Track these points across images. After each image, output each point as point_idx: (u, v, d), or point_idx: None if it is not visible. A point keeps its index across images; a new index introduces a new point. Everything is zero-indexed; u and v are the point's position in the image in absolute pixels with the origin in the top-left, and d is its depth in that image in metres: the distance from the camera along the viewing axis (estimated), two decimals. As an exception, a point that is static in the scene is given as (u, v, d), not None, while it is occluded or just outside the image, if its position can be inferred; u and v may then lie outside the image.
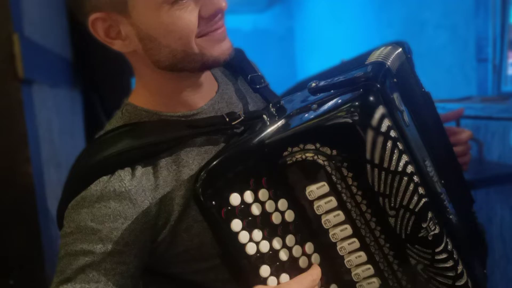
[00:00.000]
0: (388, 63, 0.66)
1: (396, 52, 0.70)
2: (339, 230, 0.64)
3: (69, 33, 1.66)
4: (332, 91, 0.65)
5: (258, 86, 0.76)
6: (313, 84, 0.67)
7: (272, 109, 0.70)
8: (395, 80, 0.65)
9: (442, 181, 0.69)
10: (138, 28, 0.62)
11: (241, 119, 0.67)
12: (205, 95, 0.71)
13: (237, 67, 0.79)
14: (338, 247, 0.64)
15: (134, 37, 0.63)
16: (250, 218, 0.62)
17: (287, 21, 4.12)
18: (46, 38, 1.39)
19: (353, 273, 0.65)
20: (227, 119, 0.67)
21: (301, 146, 0.60)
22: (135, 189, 0.63)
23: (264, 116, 0.68)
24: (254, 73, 0.77)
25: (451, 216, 0.68)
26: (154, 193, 0.65)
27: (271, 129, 0.64)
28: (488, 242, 1.79)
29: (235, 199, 0.61)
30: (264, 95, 0.76)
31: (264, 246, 0.63)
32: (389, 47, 0.71)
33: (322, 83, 0.67)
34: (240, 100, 0.76)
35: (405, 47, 0.73)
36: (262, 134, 0.63)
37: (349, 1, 3.16)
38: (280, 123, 0.65)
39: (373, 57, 0.68)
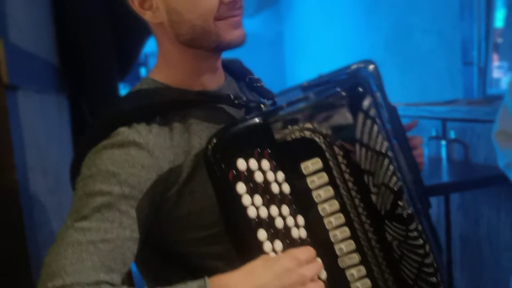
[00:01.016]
0: (370, 70, 0.80)
1: (371, 65, 0.84)
2: (327, 205, 0.73)
3: (55, 38, 1.64)
4: (327, 86, 0.76)
5: (255, 85, 0.88)
6: (305, 84, 0.79)
7: (268, 101, 0.80)
8: (376, 82, 0.78)
9: (412, 176, 0.81)
10: (167, 2, 0.72)
11: (243, 99, 0.78)
12: (216, 82, 0.82)
13: (238, 73, 0.89)
14: (325, 221, 0.73)
15: (163, 9, 0.73)
16: (252, 184, 0.69)
17: (277, 25, 4.13)
18: (32, 43, 1.37)
19: (337, 248, 0.73)
20: (232, 97, 0.77)
21: (300, 125, 0.71)
22: (152, 143, 0.71)
23: (262, 105, 0.78)
24: (252, 75, 0.89)
25: (418, 205, 0.77)
26: (168, 151, 0.72)
27: (274, 111, 0.74)
28: (476, 243, 1.80)
29: (241, 164, 0.69)
30: (260, 91, 0.87)
31: (263, 212, 0.70)
32: (363, 63, 0.84)
33: (313, 83, 0.78)
34: (243, 95, 0.86)
35: (375, 64, 0.86)
36: (267, 114, 0.73)
37: (338, 6, 3.18)
38: (281, 106, 0.74)
39: (353, 67, 0.81)
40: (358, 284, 0.74)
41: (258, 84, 0.88)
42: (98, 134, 0.71)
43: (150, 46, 2.28)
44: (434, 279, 0.74)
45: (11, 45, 1.14)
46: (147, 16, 0.75)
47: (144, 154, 0.70)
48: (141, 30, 1.84)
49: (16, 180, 1.07)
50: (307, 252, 0.68)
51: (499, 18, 2.01)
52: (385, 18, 2.61)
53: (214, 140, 0.68)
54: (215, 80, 0.81)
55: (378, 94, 0.75)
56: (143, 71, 3.73)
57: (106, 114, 0.77)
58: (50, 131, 1.49)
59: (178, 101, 0.76)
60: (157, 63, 0.81)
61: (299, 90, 0.79)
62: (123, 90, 2.47)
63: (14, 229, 1.08)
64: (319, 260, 0.71)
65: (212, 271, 0.67)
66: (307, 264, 0.67)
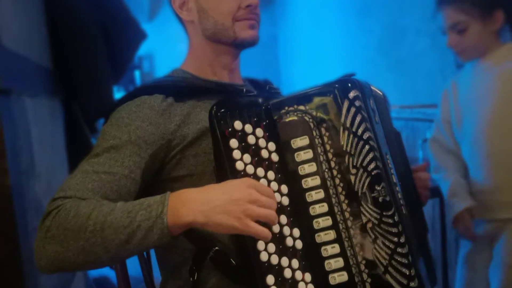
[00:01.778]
0: (371, 87, 0.89)
1: (378, 91, 0.93)
2: (310, 179, 0.81)
3: (48, 42, 1.64)
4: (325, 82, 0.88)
5: (273, 91, 1.04)
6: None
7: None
8: (372, 93, 0.88)
9: (400, 183, 0.86)
10: (198, 3, 0.94)
11: (254, 93, 0.93)
12: (234, 80, 0.99)
13: (261, 84, 1.07)
14: (306, 194, 0.81)
15: (195, 9, 0.95)
16: (244, 144, 0.81)
17: (271, 28, 4.14)
18: (25, 47, 1.37)
19: (314, 221, 0.80)
20: (244, 90, 0.94)
21: (295, 106, 0.83)
22: (164, 107, 0.87)
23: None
24: (272, 85, 1.07)
25: (402, 207, 0.84)
26: (177, 118, 0.88)
27: (275, 96, 0.90)
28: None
29: (238, 125, 0.81)
30: (276, 97, 1.02)
31: (250, 169, 0.80)
32: (374, 87, 0.93)
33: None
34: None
35: (385, 95, 0.97)
36: (269, 97, 0.87)
37: (332, 9, 3.20)
38: (284, 96, 0.89)
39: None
40: (331, 261, 0.80)
41: (276, 91, 1.05)
42: (128, 97, 0.89)
43: (144, 49, 2.28)
44: (406, 271, 0.78)
45: (4, 48, 1.14)
46: (184, 15, 0.96)
47: (154, 113, 0.86)
48: (135, 34, 1.84)
49: (10, 184, 1.07)
50: (263, 186, 0.77)
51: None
52: (378, 20, 2.63)
53: (220, 102, 0.82)
54: (232, 77, 0.99)
55: (371, 100, 0.85)
56: (137, 74, 3.72)
57: (137, 87, 0.95)
58: (43, 135, 1.48)
59: (196, 86, 0.94)
60: (187, 57, 1.00)
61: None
62: (117, 93, 2.46)
63: (7, 234, 1.08)
64: (272, 211, 0.75)
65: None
66: (259, 193, 0.74)
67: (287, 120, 0.82)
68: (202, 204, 0.72)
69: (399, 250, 0.77)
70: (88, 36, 1.69)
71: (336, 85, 0.81)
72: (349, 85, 0.81)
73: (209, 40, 0.95)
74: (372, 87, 0.89)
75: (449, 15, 1.38)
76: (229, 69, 0.98)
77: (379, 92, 0.94)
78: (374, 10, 2.68)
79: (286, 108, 0.83)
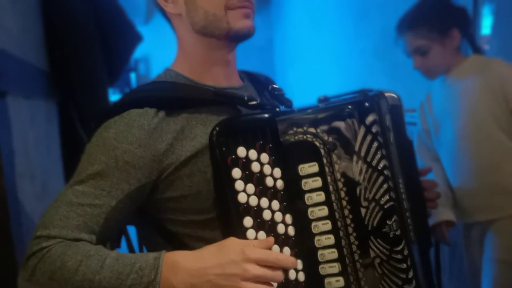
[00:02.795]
0: (386, 95, 0.81)
1: (393, 95, 0.86)
2: (317, 209, 0.75)
3: (44, 44, 1.64)
4: (339, 100, 0.80)
5: (276, 93, 0.94)
6: (322, 97, 0.82)
7: (284, 108, 0.86)
8: (389, 107, 0.81)
9: (410, 205, 0.81)
10: None
11: (256, 102, 0.83)
12: (232, 81, 0.89)
13: (263, 81, 0.97)
14: (312, 225, 0.75)
15: (181, 1, 0.83)
16: (248, 173, 0.74)
17: (267, 31, 4.15)
18: (21, 48, 1.37)
19: (319, 253, 0.75)
20: (246, 98, 0.82)
21: (305, 128, 0.75)
22: (154, 125, 0.78)
23: (277, 109, 0.83)
24: (275, 85, 0.96)
25: (411, 233, 0.79)
26: (168, 135, 0.78)
27: (283, 112, 0.80)
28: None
29: (241, 151, 0.74)
30: (280, 99, 0.92)
31: (253, 200, 0.74)
32: (387, 91, 0.86)
33: (329, 96, 0.82)
34: (260, 99, 0.92)
35: (399, 97, 0.89)
36: (275, 113, 0.78)
37: (328, 12, 3.21)
38: (290, 110, 0.81)
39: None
40: None
41: (279, 93, 0.94)
42: (114, 110, 0.80)
43: (140, 51, 2.28)
44: None
45: (0, 50, 1.14)
46: (169, 8, 0.85)
47: (144, 134, 0.77)
48: (130, 37, 1.85)
49: (4, 186, 1.06)
50: (263, 255, 0.71)
51: (486, 26, 2.05)
52: (374, 25, 2.64)
53: (221, 125, 0.75)
54: (229, 77, 0.88)
55: (387, 116, 0.78)
56: (133, 77, 3.73)
57: (126, 96, 0.86)
58: (39, 137, 1.48)
59: (192, 99, 0.83)
60: (177, 56, 0.89)
61: (314, 102, 0.83)
62: (113, 95, 2.46)
63: (1, 235, 1.07)
64: (278, 272, 0.71)
65: None
66: (256, 264, 0.69)
67: (295, 143, 0.74)
68: (194, 277, 0.69)
69: (406, 286, 0.74)
70: (84, 38, 1.68)
71: (352, 107, 0.73)
72: (367, 107, 0.73)
73: (200, 34, 0.83)
74: (387, 95, 0.81)
75: (410, 41, 1.48)
76: (225, 65, 0.87)
77: (393, 96, 0.86)
78: (371, 14, 2.70)
79: (295, 129, 0.75)
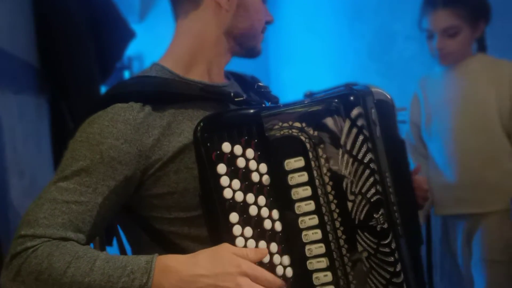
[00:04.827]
0: (372, 89, 0.81)
1: (382, 91, 0.86)
2: (304, 204, 0.74)
3: (36, 40, 1.63)
4: (324, 94, 0.79)
5: (263, 90, 0.94)
6: (308, 92, 0.82)
7: (270, 104, 0.86)
8: (374, 101, 0.80)
9: (397, 199, 0.80)
10: None
11: (243, 98, 0.82)
12: (218, 79, 0.88)
13: (249, 81, 0.97)
14: (299, 220, 0.74)
15: (235, 1, 0.83)
16: (233, 168, 0.73)
17: (262, 32, 4.14)
18: (12, 43, 1.36)
19: (306, 248, 0.74)
20: (232, 94, 0.82)
21: (290, 123, 0.74)
22: (140, 120, 0.76)
23: (263, 105, 0.83)
24: (261, 83, 0.96)
25: (399, 227, 0.78)
26: (155, 130, 0.77)
27: (268, 107, 0.79)
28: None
29: (226, 147, 0.73)
30: (266, 96, 0.93)
31: (239, 196, 0.73)
32: (377, 88, 0.86)
33: (315, 91, 0.82)
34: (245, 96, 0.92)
35: (392, 98, 0.89)
36: (261, 108, 0.78)
37: (323, 13, 3.21)
38: (276, 105, 0.80)
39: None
40: None
41: (265, 90, 0.94)
42: (99, 105, 0.77)
43: (134, 49, 2.27)
44: None
45: (-12, 44, 1.13)
46: (222, 0, 0.82)
47: (129, 129, 0.75)
48: (123, 33, 1.83)
49: (-9, 180, 1.05)
50: (258, 272, 0.69)
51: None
52: (369, 25, 2.64)
53: (206, 120, 0.74)
54: (215, 73, 0.87)
55: (373, 110, 0.77)
56: (126, 75, 3.71)
57: (111, 90, 0.83)
58: (28, 133, 1.46)
59: (178, 94, 0.81)
60: (169, 51, 0.86)
61: (300, 98, 0.82)
62: (105, 93, 2.44)
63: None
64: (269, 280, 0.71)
65: (189, 252, 0.72)
66: (248, 277, 0.68)
67: (280, 138, 0.74)
68: (186, 282, 0.67)
69: (394, 280, 0.73)
70: (76, 34, 1.66)
71: (337, 101, 0.73)
72: (352, 101, 0.73)
73: (229, 36, 0.84)
74: (373, 91, 0.82)
75: (443, 19, 1.41)
76: (221, 68, 0.89)
77: (381, 93, 0.86)
78: (365, 15, 2.70)
79: (280, 124, 0.74)
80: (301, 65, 3.61)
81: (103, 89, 1.88)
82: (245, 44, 0.86)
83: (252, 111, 0.76)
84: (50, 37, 1.63)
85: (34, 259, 0.69)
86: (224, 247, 0.70)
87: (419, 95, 1.58)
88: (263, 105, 0.84)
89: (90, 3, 1.70)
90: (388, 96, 0.88)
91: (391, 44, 2.46)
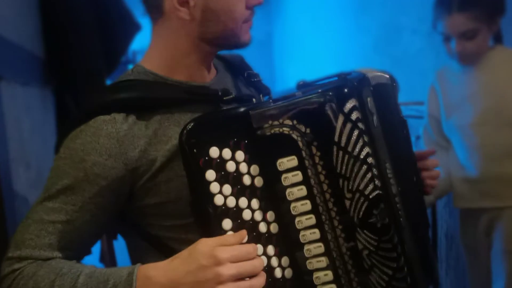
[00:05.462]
0: (368, 75, 0.77)
1: (380, 74, 0.82)
2: (299, 204, 0.71)
3: (41, 31, 1.62)
4: (316, 86, 0.76)
5: (252, 80, 0.90)
6: (301, 82, 0.79)
7: (261, 96, 0.82)
8: (371, 88, 0.76)
9: (399, 189, 0.78)
10: (205, 2, 0.76)
11: (231, 96, 0.78)
12: (206, 76, 0.84)
13: (238, 66, 0.93)
14: (296, 220, 0.72)
15: (199, 8, 0.76)
16: (223, 173, 0.70)
17: (266, 26, 4.13)
18: (17, 34, 1.35)
19: (305, 248, 0.72)
20: (220, 93, 0.78)
21: (280, 120, 0.70)
22: (124, 132, 0.73)
23: (254, 100, 0.79)
24: (251, 71, 0.93)
25: (401, 219, 0.76)
26: (141, 140, 0.74)
27: (257, 104, 0.76)
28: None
29: (214, 152, 0.69)
30: (257, 86, 0.90)
31: (231, 201, 0.70)
32: (375, 70, 0.82)
33: (308, 81, 0.79)
34: (235, 90, 0.88)
35: (392, 76, 0.85)
36: (249, 106, 0.73)
37: (328, 7, 3.20)
38: (265, 101, 0.75)
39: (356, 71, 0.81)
40: None
41: (256, 79, 0.90)
42: (81, 118, 0.74)
43: (138, 43, 2.27)
44: None
45: (-5, 34, 1.12)
46: (182, 13, 0.76)
47: (113, 143, 0.72)
48: (129, 26, 1.83)
49: (-2, 172, 1.05)
50: (234, 251, 0.66)
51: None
52: (374, 19, 2.63)
53: (191, 125, 0.69)
54: (205, 73, 0.83)
55: (369, 99, 0.74)
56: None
57: (91, 101, 0.81)
58: (34, 124, 1.47)
59: (164, 99, 0.77)
60: (150, 52, 0.82)
61: (293, 89, 0.79)
62: (110, 86, 2.44)
63: (-5, 222, 1.06)
64: (253, 261, 0.67)
65: None
66: (228, 263, 0.65)
67: (271, 137, 0.70)
68: None
69: (397, 275, 0.72)
70: (82, 25, 1.66)
71: (330, 95, 0.69)
72: (345, 93, 0.69)
73: (204, 42, 0.79)
74: (370, 76, 0.78)
75: (459, 23, 1.37)
76: (209, 67, 0.84)
77: (379, 76, 0.82)
78: (371, 9, 2.68)
79: (270, 122, 0.70)
80: (306, 59, 3.60)
81: (108, 82, 1.88)
82: (224, 44, 0.80)
83: (240, 110, 0.73)
84: (56, 29, 1.63)
85: (21, 280, 0.69)
86: (201, 242, 0.67)
87: (436, 88, 1.55)
88: (253, 100, 0.80)
89: (95, -5, 1.70)
90: (387, 76, 0.84)
91: (397, 38, 2.44)
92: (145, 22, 1.94)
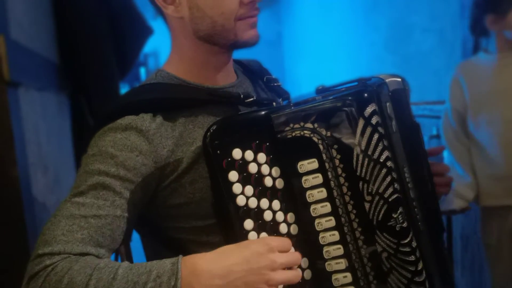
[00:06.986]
0: (386, 80, 0.78)
1: (395, 78, 0.82)
2: (319, 206, 0.73)
3: (56, 36, 1.65)
4: (336, 90, 0.76)
5: (272, 84, 0.91)
6: (320, 87, 0.80)
7: (281, 101, 0.82)
8: (390, 93, 0.77)
9: (416, 193, 0.78)
10: None
11: (253, 99, 0.79)
12: (227, 79, 0.85)
13: (257, 71, 0.93)
14: (316, 222, 0.73)
15: (185, 5, 0.76)
16: (245, 174, 0.71)
17: (276, 25, 4.14)
18: (33, 40, 1.38)
19: (324, 250, 0.73)
20: (242, 96, 0.79)
21: (302, 124, 0.72)
22: (153, 131, 0.74)
23: (274, 103, 0.80)
24: (270, 76, 0.93)
25: (419, 223, 0.76)
26: (169, 141, 0.75)
27: (278, 108, 0.76)
28: (477, 243, 1.80)
29: (237, 153, 0.71)
30: (276, 90, 0.90)
31: (253, 202, 0.72)
32: (390, 75, 0.82)
33: (327, 86, 0.80)
34: (255, 94, 0.88)
35: (404, 79, 0.85)
36: (270, 110, 0.75)
37: (338, 6, 3.19)
38: (286, 105, 0.76)
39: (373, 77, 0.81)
40: None
41: (275, 84, 0.91)
42: (108, 117, 0.74)
43: (149, 46, 2.29)
44: None
45: (12, 41, 1.15)
46: (169, 10, 0.77)
47: (143, 141, 0.73)
48: (141, 30, 1.85)
49: (18, 176, 1.07)
50: (281, 241, 0.67)
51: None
52: (385, 18, 2.62)
53: (214, 127, 0.71)
54: (225, 76, 0.84)
55: (388, 104, 0.75)
56: (142, 71, 3.74)
57: (118, 101, 0.82)
58: (51, 129, 1.49)
59: (188, 99, 0.78)
60: (170, 56, 0.84)
61: (312, 93, 0.80)
62: (123, 90, 2.48)
63: (15, 224, 1.09)
64: (295, 252, 0.69)
65: None
66: (279, 252, 0.66)
67: (292, 140, 0.72)
68: (220, 277, 0.63)
69: (416, 279, 0.72)
70: (95, 31, 1.69)
71: (350, 99, 0.70)
72: (365, 98, 0.70)
73: (202, 41, 0.78)
74: (388, 81, 0.79)
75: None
76: (222, 66, 0.83)
77: (396, 80, 0.82)
78: (381, 7, 2.68)
79: (292, 125, 0.71)
80: (316, 58, 3.60)
81: (121, 86, 1.90)
82: (220, 41, 0.78)
83: (262, 113, 0.74)
84: (70, 35, 1.66)
85: (54, 276, 0.65)
86: (247, 241, 0.69)
87: (461, 81, 1.51)
88: (274, 104, 0.81)
89: (109, 0, 1.72)
90: (399, 80, 0.84)
91: (408, 36, 2.43)
92: (154, 25, 1.97)
